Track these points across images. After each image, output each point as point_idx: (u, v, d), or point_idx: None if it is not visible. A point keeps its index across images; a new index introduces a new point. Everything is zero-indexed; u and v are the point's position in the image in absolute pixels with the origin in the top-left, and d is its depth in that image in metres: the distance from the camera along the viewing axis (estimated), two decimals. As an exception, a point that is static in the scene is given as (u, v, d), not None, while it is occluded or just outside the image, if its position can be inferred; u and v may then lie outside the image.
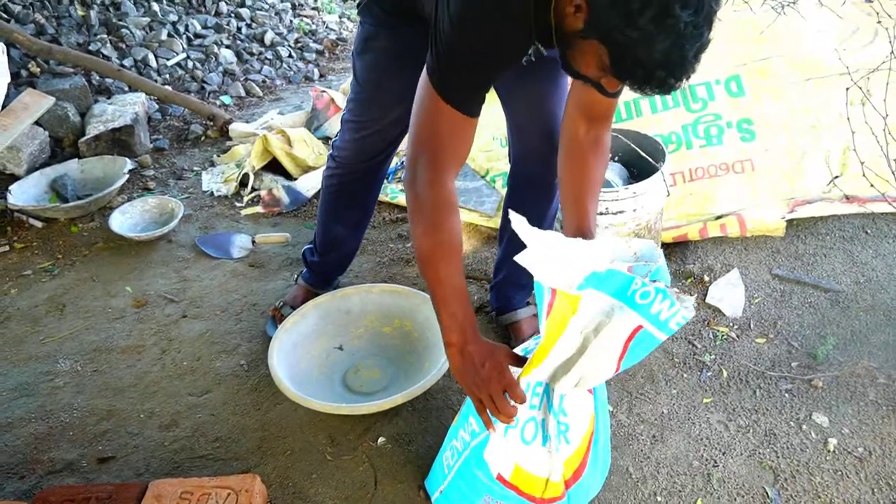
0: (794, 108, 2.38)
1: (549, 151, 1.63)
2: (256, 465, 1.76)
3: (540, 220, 1.87)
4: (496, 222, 2.54)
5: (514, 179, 1.88)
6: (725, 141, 2.40)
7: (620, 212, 1.98)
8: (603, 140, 1.47)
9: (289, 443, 1.82)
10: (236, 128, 3.34)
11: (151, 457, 1.82)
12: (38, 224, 2.80)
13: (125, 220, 2.72)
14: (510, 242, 1.95)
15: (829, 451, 1.69)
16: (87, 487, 1.63)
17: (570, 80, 1.45)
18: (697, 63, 1.10)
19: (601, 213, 1.99)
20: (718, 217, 2.33)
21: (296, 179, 2.89)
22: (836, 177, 2.23)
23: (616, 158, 2.25)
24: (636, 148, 2.03)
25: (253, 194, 2.89)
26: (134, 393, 2.02)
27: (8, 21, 3.40)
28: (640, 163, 2.15)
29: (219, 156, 3.25)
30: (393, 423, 1.85)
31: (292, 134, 2.95)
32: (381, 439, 1.81)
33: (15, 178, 3.03)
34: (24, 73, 3.41)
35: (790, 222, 2.32)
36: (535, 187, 1.83)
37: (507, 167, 1.95)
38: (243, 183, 2.94)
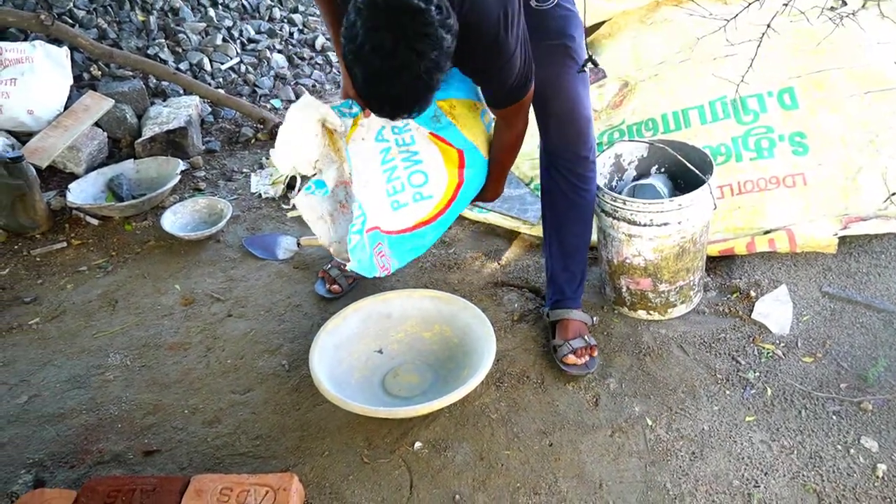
0: (850, 122, 2.32)
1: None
2: (295, 465, 1.79)
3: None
4: (539, 230, 2.53)
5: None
6: (777, 154, 2.35)
7: (665, 224, 1.96)
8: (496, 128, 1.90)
9: (327, 444, 1.85)
10: (286, 131, 3.40)
11: (194, 451, 1.86)
12: (95, 222, 2.90)
13: (176, 219, 2.80)
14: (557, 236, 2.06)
15: (877, 478, 1.64)
16: (132, 479, 1.68)
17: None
18: (395, 101, 1.42)
19: (646, 225, 1.97)
20: (767, 232, 2.28)
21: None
22: (894, 194, 2.16)
23: (662, 170, 2.23)
24: (682, 159, 2.01)
25: (300, 197, 2.94)
26: (179, 389, 2.07)
27: (72, 26, 3.53)
28: (687, 175, 2.12)
29: (267, 158, 3.31)
30: (430, 429, 1.86)
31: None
32: (417, 444, 1.82)
33: (74, 176, 3.14)
34: (85, 76, 3.53)
35: (842, 239, 2.26)
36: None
37: None
38: (291, 186, 2.99)
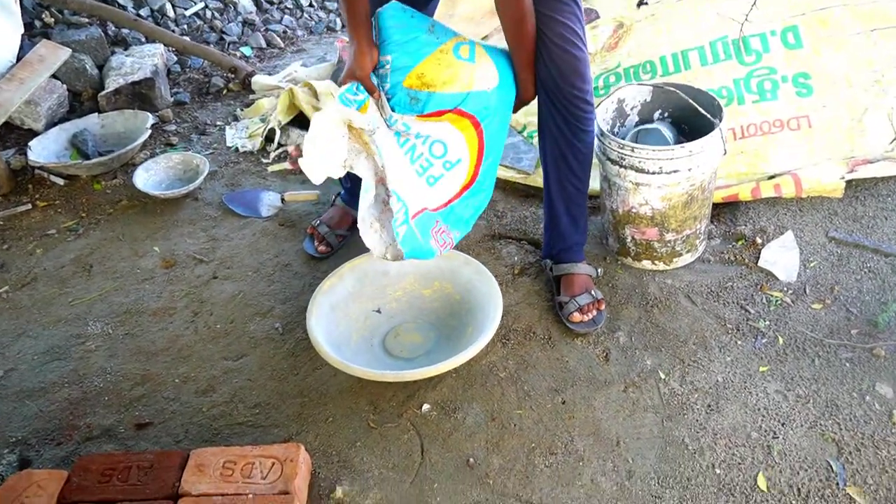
0: (856, 62, 2.24)
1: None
2: (298, 433, 1.71)
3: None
4: (535, 180, 2.44)
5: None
6: (780, 96, 2.28)
7: (674, 171, 1.88)
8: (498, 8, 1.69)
9: (330, 409, 1.77)
10: (259, 80, 3.22)
11: (189, 423, 1.77)
12: (60, 181, 2.72)
13: (149, 177, 2.64)
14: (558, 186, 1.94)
15: (894, 424, 1.62)
16: (127, 456, 1.59)
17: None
18: None
19: (655, 173, 1.88)
20: (772, 177, 2.22)
21: (324, 135, 2.78)
22: (899, 134, 2.11)
23: (666, 115, 2.14)
24: (692, 102, 1.92)
25: (280, 150, 2.79)
26: (167, 357, 1.96)
27: (20, -32, 3.26)
28: (693, 120, 2.03)
29: (242, 110, 3.14)
30: (437, 390, 1.79)
31: (319, 87, 2.83)
32: (425, 406, 1.75)
33: (34, 133, 2.93)
34: (37, 23, 3.28)
35: (849, 183, 2.21)
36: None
37: None
38: (269, 138, 2.84)
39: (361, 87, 1.64)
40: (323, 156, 1.59)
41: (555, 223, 1.96)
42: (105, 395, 1.86)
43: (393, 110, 1.67)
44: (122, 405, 1.83)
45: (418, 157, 1.70)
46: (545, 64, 1.72)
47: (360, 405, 1.77)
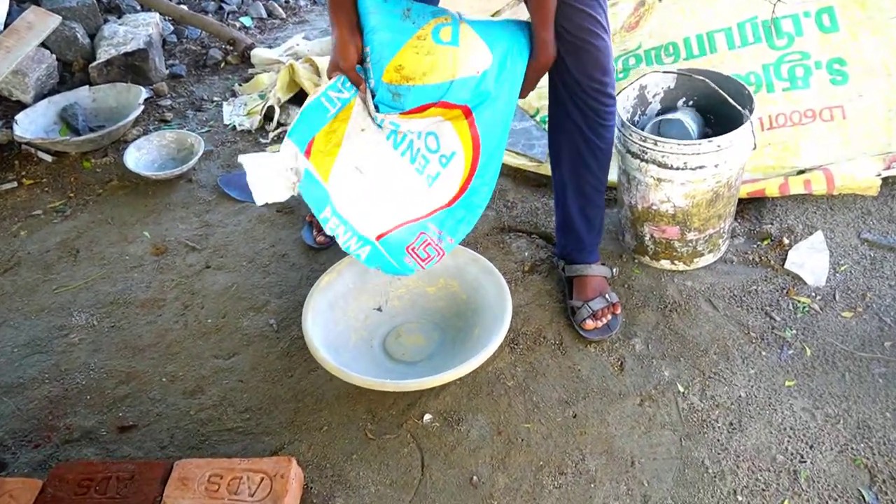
0: (895, 47, 2.08)
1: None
2: (290, 442, 1.60)
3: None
4: (547, 168, 2.29)
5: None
6: (813, 84, 2.12)
7: (700, 167, 1.74)
8: None
9: (325, 416, 1.66)
10: (259, 53, 3.07)
11: (176, 427, 1.66)
12: (48, 158, 2.59)
13: (141, 156, 2.51)
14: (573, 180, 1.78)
15: (932, 449, 1.51)
16: (106, 465, 1.49)
17: None
18: None
19: (678, 168, 1.75)
20: (802, 171, 2.08)
21: (325, 114, 2.64)
22: (941, 129, 1.96)
23: (690, 103, 1.99)
24: (722, 93, 1.77)
25: (279, 130, 2.65)
26: (155, 353, 1.85)
27: (9, -71, 3.09)
28: (719, 108, 1.89)
29: (240, 85, 2.99)
30: (440, 399, 1.67)
31: (321, 63, 2.69)
32: (427, 416, 1.64)
33: (22, 105, 2.80)
34: (27, -12, 3.13)
35: (885, 180, 2.06)
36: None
37: None
38: (268, 116, 2.70)
39: (347, 83, 1.47)
40: (265, 188, 1.42)
41: (568, 224, 1.82)
42: (87, 393, 1.76)
43: (377, 109, 1.49)
44: (104, 405, 1.73)
45: (416, 153, 1.54)
46: (562, 56, 1.56)
47: (358, 413, 1.66)
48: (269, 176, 1.39)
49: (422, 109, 1.48)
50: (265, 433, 1.63)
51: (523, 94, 1.57)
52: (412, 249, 1.59)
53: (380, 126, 1.50)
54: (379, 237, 1.56)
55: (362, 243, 1.53)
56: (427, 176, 1.54)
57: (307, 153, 1.44)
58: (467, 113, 1.52)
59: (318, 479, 1.53)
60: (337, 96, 1.44)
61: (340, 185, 1.49)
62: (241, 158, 1.36)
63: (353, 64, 1.44)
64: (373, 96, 1.47)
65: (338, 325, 1.78)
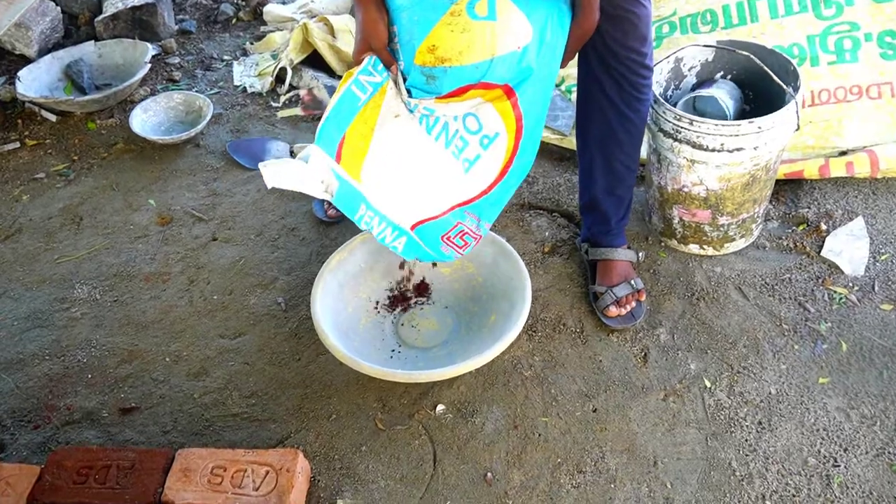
0: (953, 20, 1.93)
1: None
2: (297, 431, 1.54)
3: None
4: (571, 141, 2.18)
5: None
6: (861, 57, 1.98)
7: (738, 149, 1.62)
8: None
9: (334, 404, 1.59)
10: (271, 10, 2.93)
11: (179, 410, 1.61)
12: (52, 118, 2.50)
13: (147, 118, 2.41)
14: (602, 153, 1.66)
15: (974, 457, 1.42)
16: (106, 452, 1.43)
17: None
18: None
19: (715, 150, 1.63)
20: (844, 152, 1.95)
21: (340, 77, 2.52)
22: None
23: (729, 77, 1.86)
24: (766, 69, 1.64)
25: (291, 93, 2.54)
26: (158, 330, 1.78)
27: None
28: (760, 83, 1.76)
29: (252, 43, 2.86)
30: (453, 388, 1.60)
31: (336, 23, 2.55)
32: (440, 407, 1.56)
33: (26, 59, 2.70)
34: (31, -65, 2.99)
35: (933, 164, 1.94)
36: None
37: None
38: (280, 78, 2.58)
39: (379, 65, 1.34)
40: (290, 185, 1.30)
41: (595, 205, 1.72)
42: (88, 371, 1.70)
43: (410, 94, 1.36)
44: (106, 385, 1.67)
45: (454, 135, 1.41)
46: (600, 24, 1.43)
47: (368, 401, 1.59)
48: (293, 184, 1.27)
49: (460, 92, 1.34)
50: (271, 420, 1.57)
51: (563, 64, 1.43)
52: (447, 238, 1.49)
53: (411, 111, 1.38)
54: (414, 226, 1.46)
55: (398, 234, 1.44)
56: (464, 160, 1.42)
57: (338, 157, 1.31)
58: (509, 92, 1.38)
59: (325, 471, 1.47)
60: (368, 80, 1.32)
61: (373, 178, 1.38)
62: (261, 166, 1.23)
63: (384, 42, 1.31)
64: (404, 80, 1.35)
65: (348, 306, 1.70)
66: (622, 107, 1.56)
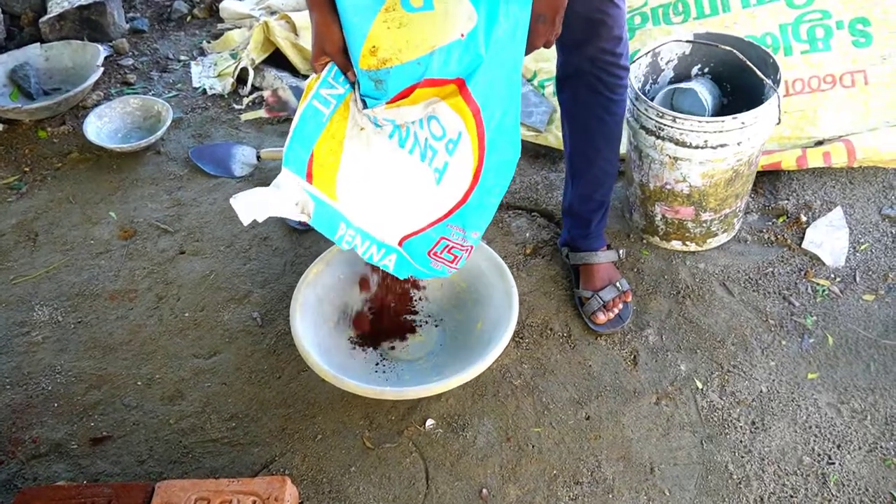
0: (923, 7, 1.94)
1: None
2: (282, 454, 1.48)
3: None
4: (546, 138, 2.14)
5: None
6: (833, 46, 1.97)
7: (722, 145, 1.60)
8: None
9: (319, 424, 1.53)
10: (228, 6, 2.82)
11: (154, 438, 1.53)
12: (-1, 127, 2.36)
13: (103, 125, 2.29)
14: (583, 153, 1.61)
15: (964, 447, 1.43)
16: (79, 489, 1.34)
17: None
18: None
19: (698, 147, 1.60)
20: (820, 142, 1.95)
21: (305, 77, 2.43)
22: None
23: (706, 70, 1.83)
24: (747, 61, 1.61)
25: (254, 94, 2.44)
26: (128, 352, 1.69)
27: None
28: (737, 77, 1.74)
29: (209, 42, 2.75)
30: (442, 402, 1.55)
31: (298, 20, 2.46)
32: (429, 422, 1.52)
33: (-34, 65, 2.55)
34: (-34, -69, 2.82)
35: (909, 152, 1.94)
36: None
37: None
38: (241, 79, 2.48)
39: (340, 77, 1.24)
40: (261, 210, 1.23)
41: (575, 209, 1.68)
42: (54, 400, 1.61)
43: (365, 105, 1.26)
44: (74, 413, 1.58)
45: (425, 145, 1.32)
46: (570, 23, 1.38)
47: (354, 419, 1.53)
48: (268, 213, 1.21)
49: (408, 93, 1.22)
50: (253, 444, 1.50)
51: (529, 50, 1.25)
52: (434, 254, 1.42)
53: (377, 125, 1.29)
54: (401, 242, 1.39)
55: (385, 251, 1.37)
56: (434, 170, 1.33)
57: (308, 177, 1.25)
58: (461, 86, 1.25)
59: (314, 495, 1.41)
60: (329, 93, 1.24)
61: (349, 194, 1.31)
62: (233, 202, 1.16)
63: (338, 46, 1.21)
64: (358, 88, 1.26)
65: (328, 321, 1.64)
66: (596, 108, 1.52)
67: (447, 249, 1.40)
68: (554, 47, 1.39)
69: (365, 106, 1.25)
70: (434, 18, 1.17)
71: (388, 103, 1.24)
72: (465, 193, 1.34)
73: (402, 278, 1.49)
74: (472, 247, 1.43)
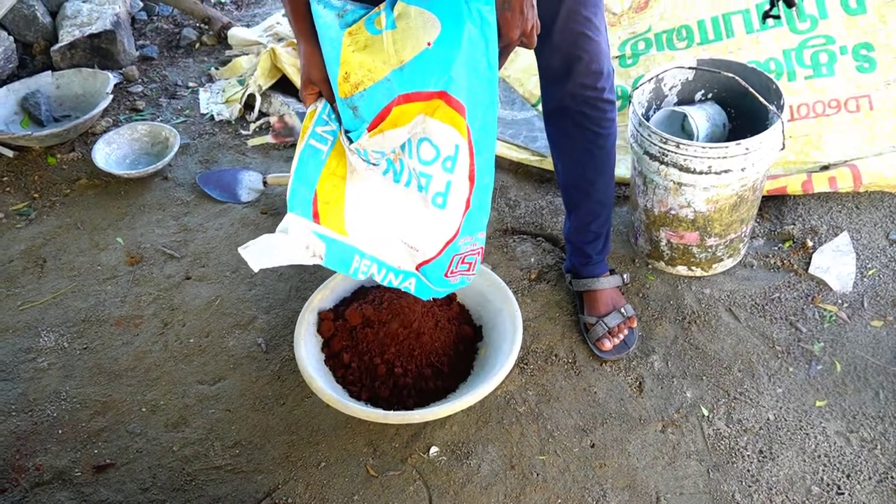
0: (927, 32, 1.94)
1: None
2: (285, 482, 1.47)
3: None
4: (552, 163, 2.14)
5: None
6: (838, 71, 1.98)
7: (726, 171, 1.60)
8: None
9: (322, 451, 1.52)
10: (236, 34, 2.85)
11: (158, 465, 1.52)
12: (9, 153, 2.39)
13: (111, 151, 2.31)
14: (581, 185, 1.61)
15: (976, 477, 1.41)
16: (81, 518, 1.34)
17: None
18: None
19: (702, 173, 1.60)
20: (826, 167, 1.95)
21: (310, 103, 2.46)
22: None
23: (710, 95, 1.84)
24: (749, 88, 1.62)
25: (261, 120, 2.46)
26: (132, 379, 1.70)
27: None
28: (742, 101, 1.75)
29: (217, 68, 2.78)
30: (446, 428, 1.54)
31: (304, 47, 2.49)
32: (433, 449, 1.51)
33: (-21, 93, 2.58)
34: (-19, -38, 2.87)
35: (915, 177, 1.94)
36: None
37: None
38: (249, 105, 2.51)
39: (332, 113, 1.26)
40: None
41: (574, 237, 1.68)
42: (59, 427, 1.61)
43: (350, 141, 1.24)
44: (78, 441, 1.58)
45: (417, 175, 1.30)
46: (548, 57, 1.37)
47: (358, 446, 1.52)
48: (279, 260, 1.22)
49: (383, 115, 1.19)
50: (257, 471, 1.49)
51: (508, 43, 1.17)
52: (451, 273, 1.42)
53: (368, 162, 1.27)
54: (418, 267, 1.40)
55: (403, 276, 1.38)
56: (434, 196, 1.30)
57: (315, 216, 1.26)
58: (441, 95, 1.19)
59: (317, 525, 1.40)
60: (325, 130, 1.26)
61: (359, 228, 1.32)
62: (241, 251, 1.19)
63: (323, 75, 1.22)
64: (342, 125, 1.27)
65: (332, 346, 1.63)
66: (586, 143, 1.52)
67: (462, 261, 1.41)
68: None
69: (350, 141, 1.24)
70: (397, 35, 1.16)
71: (369, 130, 1.21)
72: (467, 201, 1.32)
73: (425, 300, 1.48)
74: (481, 248, 1.43)
